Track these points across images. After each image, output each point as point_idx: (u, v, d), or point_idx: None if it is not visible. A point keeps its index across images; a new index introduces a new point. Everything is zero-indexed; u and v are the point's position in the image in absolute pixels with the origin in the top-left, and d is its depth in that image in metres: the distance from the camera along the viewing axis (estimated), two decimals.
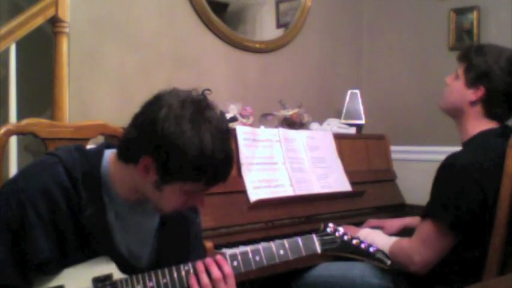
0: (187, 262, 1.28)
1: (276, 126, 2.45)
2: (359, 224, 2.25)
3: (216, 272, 1.24)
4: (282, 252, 1.32)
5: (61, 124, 1.83)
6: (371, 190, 2.55)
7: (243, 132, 2.18)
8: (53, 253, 1.20)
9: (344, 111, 2.96)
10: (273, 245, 1.32)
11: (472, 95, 1.78)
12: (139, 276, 1.24)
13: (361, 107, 2.96)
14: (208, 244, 1.76)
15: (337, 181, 2.45)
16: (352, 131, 2.81)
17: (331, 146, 2.54)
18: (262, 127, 2.35)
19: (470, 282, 1.43)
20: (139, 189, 1.26)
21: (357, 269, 1.84)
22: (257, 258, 1.29)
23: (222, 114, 1.28)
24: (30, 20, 1.99)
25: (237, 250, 1.35)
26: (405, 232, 2.08)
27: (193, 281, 1.24)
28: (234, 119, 2.30)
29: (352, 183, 2.49)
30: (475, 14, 2.90)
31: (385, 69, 3.31)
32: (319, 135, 2.54)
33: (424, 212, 1.74)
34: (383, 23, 3.33)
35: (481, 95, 1.77)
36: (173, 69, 2.52)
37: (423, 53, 3.13)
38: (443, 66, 2.50)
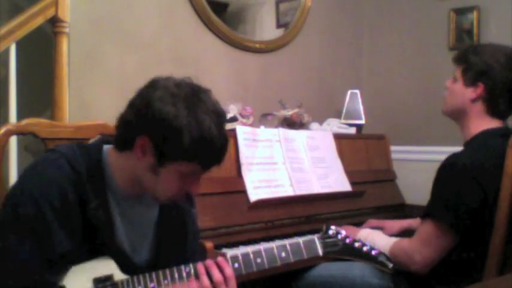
0: (186, 259, 1.28)
1: (276, 126, 2.45)
2: (359, 224, 2.25)
3: (217, 275, 1.25)
4: (283, 254, 1.31)
5: (61, 124, 1.83)
6: (371, 190, 2.55)
7: (243, 132, 2.18)
8: (71, 244, 1.21)
9: (344, 111, 2.97)
10: (274, 246, 1.32)
11: (471, 93, 1.78)
12: (140, 277, 1.24)
13: (361, 107, 2.96)
14: (208, 244, 1.76)
15: (337, 181, 2.45)
16: (352, 131, 2.81)
17: (331, 146, 2.54)
18: (262, 127, 2.35)
19: (470, 282, 1.44)
20: (137, 177, 1.27)
21: (357, 269, 1.84)
22: (258, 260, 1.29)
23: (216, 100, 1.29)
24: (30, 20, 1.99)
25: (238, 252, 1.34)
26: (405, 233, 2.08)
27: (194, 283, 1.24)
28: (234, 119, 2.29)
29: (352, 183, 2.49)
30: (475, 14, 2.90)
31: (385, 69, 3.31)
32: (319, 135, 2.54)
33: (425, 212, 1.73)
34: (383, 23, 3.33)
35: (480, 92, 1.76)
36: (173, 69, 2.47)
37: (423, 53, 3.13)
38: (443, 67, 2.50)
